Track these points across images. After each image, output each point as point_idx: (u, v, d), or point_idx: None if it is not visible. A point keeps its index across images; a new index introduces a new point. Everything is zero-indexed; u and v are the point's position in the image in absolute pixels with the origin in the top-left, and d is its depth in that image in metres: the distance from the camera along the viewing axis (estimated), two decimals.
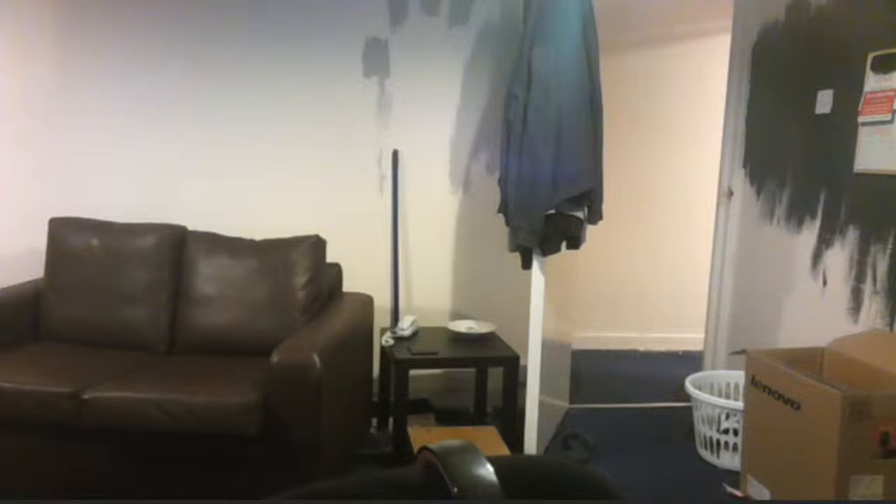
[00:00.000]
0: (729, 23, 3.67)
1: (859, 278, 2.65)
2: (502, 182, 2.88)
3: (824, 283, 2.86)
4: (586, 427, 3.28)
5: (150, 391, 2.35)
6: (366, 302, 3.11)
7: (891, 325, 2.49)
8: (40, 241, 3.05)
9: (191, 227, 3.08)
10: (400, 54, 3.44)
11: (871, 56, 2.59)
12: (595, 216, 2.87)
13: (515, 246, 2.85)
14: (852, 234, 2.70)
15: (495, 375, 3.09)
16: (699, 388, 3.05)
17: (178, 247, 2.98)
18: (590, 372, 4.07)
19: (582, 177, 2.69)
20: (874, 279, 2.57)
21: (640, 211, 4.53)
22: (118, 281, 2.91)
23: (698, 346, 4.05)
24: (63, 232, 2.99)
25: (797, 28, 3.13)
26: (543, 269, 2.83)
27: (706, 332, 3.86)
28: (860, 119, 2.64)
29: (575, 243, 2.93)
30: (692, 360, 4.10)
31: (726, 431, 2.93)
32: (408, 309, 3.54)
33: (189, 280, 2.93)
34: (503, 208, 2.89)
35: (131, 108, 3.33)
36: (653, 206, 4.52)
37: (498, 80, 3.44)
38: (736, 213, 3.60)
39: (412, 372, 2.87)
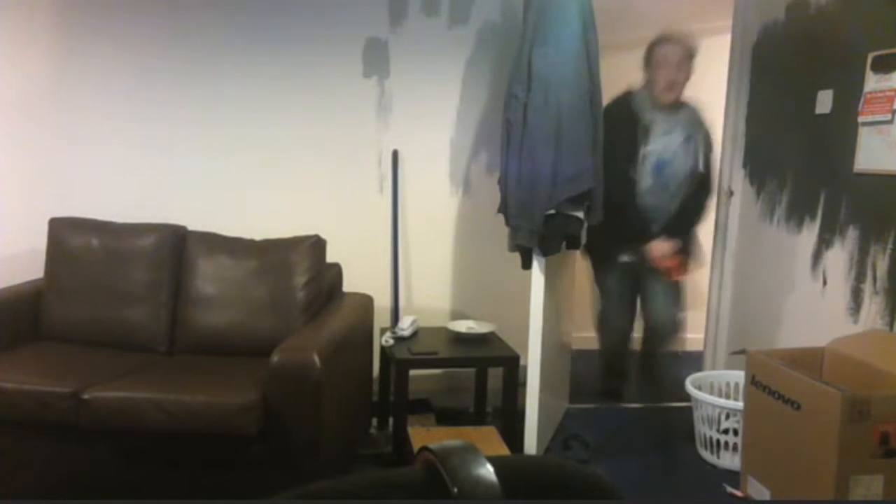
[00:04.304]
0: (729, 23, 3.67)
1: (859, 278, 2.65)
2: (502, 182, 2.88)
3: (824, 283, 2.86)
4: (586, 427, 3.28)
5: (150, 391, 2.35)
6: (366, 302, 3.11)
7: (891, 325, 2.49)
8: (40, 241, 3.05)
9: (191, 227, 3.07)
10: (400, 54, 3.44)
11: (871, 56, 2.59)
12: (595, 216, 2.87)
13: (515, 246, 2.85)
14: (852, 234, 2.70)
15: (495, 375, 3.09)
16: (699, 388, 3.05)
17: (178, 247, 2.98)
18: (590, 372, 4.07)
19: (582, 177, 2.69)
20: (874, 279, 2.57)
21: None
22: (118, 281, 2.91)
23: (698, 346, 4.05)
24: (63, 232, 2.99)
25: (797, 28, 3.13)
26: (543, 269, 2.83)
27: (706, 332, 3.86)
28: (860, 119, 2.64)
29: (575, 243, 2.93)
30: (692, 360, 4.10)
31: (726, 431, 2.93)
32: (408, 309, 3.53)
33: (189, 280, 2.93)
34: (503, 208, 2.89)
35: (131, 108, 3.33)
36: None
37: (498, 80, 3.44)
38: (736, 213, 3.60)
39: (412, 372, 2.87)
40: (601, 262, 3.48)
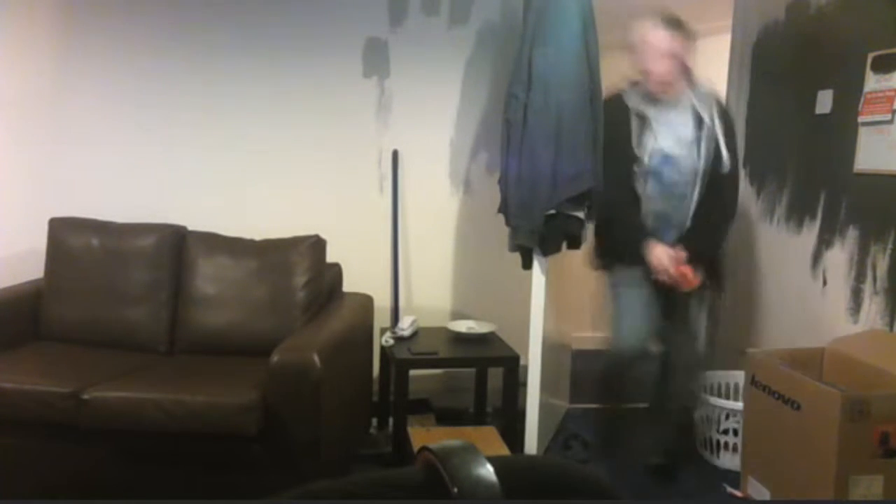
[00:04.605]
0: (729, 23, 3.67)
1: (859, 278, 2.65)
2: (502, 182, 2.88)
3: (824, 283, 2.86)
4: (586, 427, 3.28)
5: (150, 391, 2.35)
6: (366, 302, 3.11)
7: (891, 325, 2.49)
8: (40, 241, 3.05)
9: (191, 227, 3.07)
10: (400, 54, 3.43)
11: (871, 56, 2.59)
12: (595, 216, 2.86)
13: (515, 246, 2.85)
14: (852, 234, 2.70)
15: (495, 375, 3.09)
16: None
17: (178, 247, 2.98)
18: (590, 372, 4.06)
19: (582, 176, 2.68)
20: (874, 279, 2.57)
21: None
22: (118, 281, 2.91)
23: None
24: (63, 232, 2.99)
25: (797, 28, 3.13)
26: (544, 269, 2.83)
27: (706, 332, 3.85)
28: (860, 119, 2.64)
29: (576, 243, 2.93)
30: None
31: (726, 431, 2.93)
32: (408, 309, 3.53)
33: (189, 280, 2.93)
34: (503, 208, 2.89)
35: (131, 108, 3.33)
36: None
37: (498, 80, 3.44)
38: (736, 213, 3.59)
39: (412, 372, 2.87)
40: (616, 272, 2.88)
